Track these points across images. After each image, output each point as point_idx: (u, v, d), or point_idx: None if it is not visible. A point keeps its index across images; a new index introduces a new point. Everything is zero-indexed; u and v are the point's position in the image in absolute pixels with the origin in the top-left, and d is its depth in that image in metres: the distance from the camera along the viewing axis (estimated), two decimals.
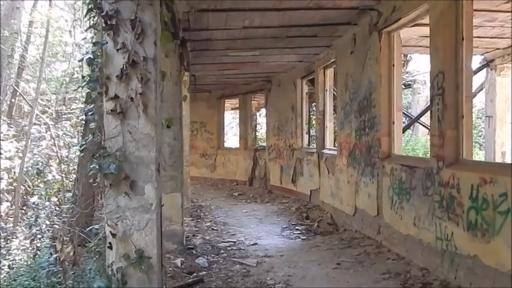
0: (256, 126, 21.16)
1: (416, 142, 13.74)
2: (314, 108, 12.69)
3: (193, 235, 7.42)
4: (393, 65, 6.59)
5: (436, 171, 4.97)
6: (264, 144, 15.39)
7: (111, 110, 2.98)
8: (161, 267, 3.13)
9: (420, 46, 9.04)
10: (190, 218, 8.99)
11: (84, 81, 3.14)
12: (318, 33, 8.06)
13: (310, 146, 12.07)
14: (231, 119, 23.99)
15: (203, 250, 6.45)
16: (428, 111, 13.33)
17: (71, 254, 3.60)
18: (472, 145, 4.90)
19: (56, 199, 9.87)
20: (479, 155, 12.92)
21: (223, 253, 6.34)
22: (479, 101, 14.13)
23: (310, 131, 13.58)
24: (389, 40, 6.62)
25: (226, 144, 19.74)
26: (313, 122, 13.21)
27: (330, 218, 8.95)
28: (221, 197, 13.12)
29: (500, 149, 9.36)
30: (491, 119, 9.57)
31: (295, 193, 11.83)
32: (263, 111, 19.53)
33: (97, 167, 2.92)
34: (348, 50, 8.00)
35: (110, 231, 2.91)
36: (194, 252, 6.35)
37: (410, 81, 14.94)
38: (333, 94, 10.06)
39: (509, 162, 9.45)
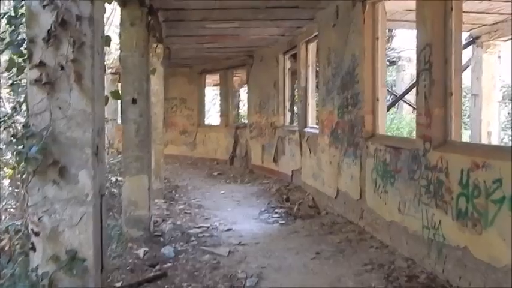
0: (239, 103, 20.61)
1: (401, 121, 13.34)
2: (297, 85, 12.19)
3: (164, 220, 6.94)
4: (377, 38, 6.10)
5: (422, 153, 4.54)
6: (247, 121, 14.89)
7: (36, 80, 2.45)
8: (101, 269, 2.64)
9: (406, 21, 8.53)
10: (163, 200, 8.49)
11: (4, 44, 2.58)
12: (300, 4, 7.51)
13: (293, 124, 11.60)
14: (213, 95, 23.32)
15: (172, 237, 5.98)
16: (414, 89, 12.99)
17: (6, 248, 3.08)
18: (461, 125, 4.46)
19: None
20: (464, 135, 12.61)
21: (193, 241, 5.88)
22: (464, 79, 13.76)
23: (294, 108, 13.11)
24: (373, 11, 6.12)
25: (207, 122, 19.24)
26: (297, 100, 12.72)
27: (311, 201, 8.54)
28: (200, 176, 12.63)
29: (486, 128, 9.00)
30: (477, 98, 9.17)
31: (277, 173, 11.40)
32: (246, 87, 18.97)
33: (19, 149, 2.40)
34: (330, 22, 7.47)
35: (32, 229, 2.41)
36: (162, 240, 5.87)
37: (395, 58, 14.45)
38: (316, 70, 9.56)
39: (497, 143, 9.12)
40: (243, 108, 20.32)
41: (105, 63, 2.98)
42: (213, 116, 23.54)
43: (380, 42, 6.07)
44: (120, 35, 6.00)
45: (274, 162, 11.59)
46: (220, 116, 15.51)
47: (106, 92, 2.95)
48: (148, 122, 6.15)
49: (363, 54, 6.16)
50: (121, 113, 6.02)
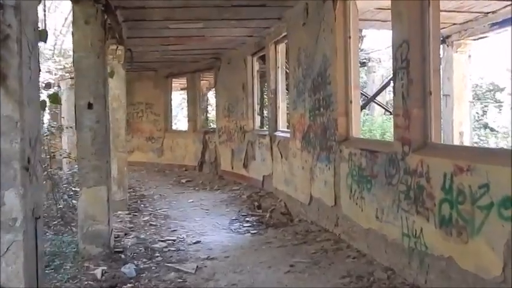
0: (207, 107, 20.16)
1: (373, 123, 13.20)
2: (267, 88, 11.87)
3: (126, 234, 6.46)
4: (349, 37, 5.82)
5: (401, 156, 4.25)
6: (215, 126, 14.46)
7: None
8: None
9: (376, 20, 8.36)
10: (127, 212, 7.98)
11: None
12: (267, 3, 7.19)
13: (264, 128, 11.26)
14: (181, 99, 22.80)
15: (134, 254, 5.52)
16: (385, 90, 12.87)
17: None
18: (441, 126, 4.21)
19: None
20: None
21: (157, 256, 5.43)
22: None
23: (264, 112, 12.79)
24: (344, 9, 5.85)
25: (175, 127, 18.70)
26: (266, 103, 12.40)
27: (283, 207, 8.20)
28: (167, 184, 12.14)
29: (458, 129, 8.88)
30: (448, 98, 9.06)
31: (247, 179, 11.03)
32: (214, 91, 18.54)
33: None
34: (300, 21, 7.17)
35: None
36: (123, 256, 5.40)
37: (365, 59, 14.34)
38: (286, 72, 9.25)
39: (469, 143, 9.01)
40: (212, 113, 19.88)
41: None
42: (181, 121, 23.00)
43: (352, 42, 5.79)
44: (73, 34, 5.52)
45: (245, 168, 11.22)
46: (188, 121, 15.04)
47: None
48: (107, 129, 5.68)
49: (335, 54, 5.88)
50: (75, 120, 5.52)
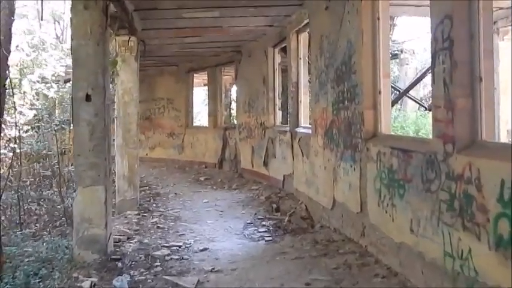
0: (230, 103, 19.53)
1: (406, 119, 12.26)
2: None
3: (129, 238, 5.87)
4: (378, 18, 5.04)
5: (442, 157, 3.48)
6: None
7: None
8: None
9: (409, 5, 7.53)
10: (136, 212, 7.42)
11: None
12: None
13: (286, 124, 10.54)
14: (205, 96, 22.26)
15: (132, 262, 4.92)
16: (419, 84, 11.94)
17: None
18: (494, 120, 3.40)
19: None
20: None
21: (157, 266, 4.81)
22: None
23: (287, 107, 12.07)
24: None
25: (198, 123, 18.23)
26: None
27: (304, 211, 7.50)
28: (185, 182, 11.58)
29: (505, 126, 7.92)
30: (494, 92, 8.10)
31: (267, 178, 10.34)
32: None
33: None
34: (322, 5, 6.44)
35: None
36: (119, 265, 4.80)
37: (397, 50, 13.36)
38: (308, 63, 8.52)
39: None
40: (235, 109, 19.27)
41: None
42: (205, 117, 22.45)
43: (382, 23, 5.01)
44: (71, 19, 4.96)
45: (265, 166, 10.54)
46: (209, 116, 14.43)
47: None
48: (106, 123, 5.09)
49: (361, 39, 5.12)
50: (71, 113, 4.97)
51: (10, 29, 5.77)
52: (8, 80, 5.96)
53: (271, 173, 10.19)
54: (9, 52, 5.74)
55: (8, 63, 5.91)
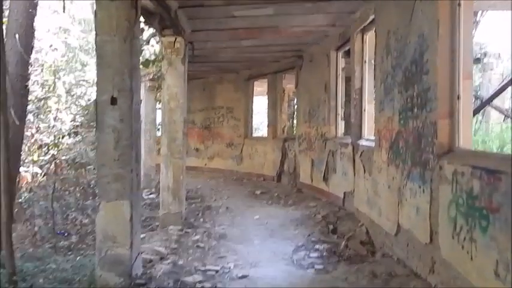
0: (294, 113, 18.73)
1: (488, 132, 10.78)
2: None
3: (162, 258, 5.27)
4: (459, 4, 4.08)
5: None
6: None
7: None
8: None
9: None
10: (179, 228, 6.83)
11: None
12: None
13: (348, 136, 9.60)
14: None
15: None
16: (505, 91, 10.49)
17: None
18: None
19: None
20: None
21: None
22: None
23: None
24: None
25: (260, 134, 17.66)
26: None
27: (364, 234, 6.55)
28: (240, 195, 10.92)
29: None
30: None
31: (327, 194, 9.44)
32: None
33: None
34: None
35: None
36: None
37: (479, 54, 11.87)
38: (374, 67, 7.57)
39: None
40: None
41: None
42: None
43: (463, 11, 4.05)
44: (95, 13, 4.47)
45: (324, 181, 9.64)
46: (268, 126, 13.75)
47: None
48: (134, 129, 4.53)
49: (436, 31, 4.17)
50: (96, 118, 4.46)
51: (32, 24, 5.41)
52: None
53: (331, 189, 9.29)
54: (31, 49, 5.42)
55: (31, 61, 5.58)
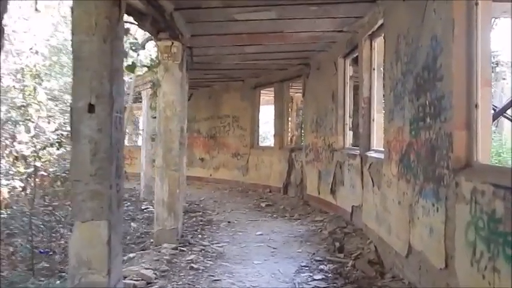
0: (302, 123, 18.32)
1: (502, 144, 10.26)
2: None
3: (149, 283, 4.85)
4: (476, 3, 3.65)
5: None
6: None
7: None
8: None
9: None
10: (173, 246, 6.36)
11: None
12: None
13: (356, 147, 9.15)
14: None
15: None
16: None
17: None
18: None
19: None
20: None
21: None
22: None
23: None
24: None
25: (267, 143, 17.25)
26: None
27: (373, 253, 6.10)
28: (244, 208, 10.51)
29: None
30: None
31: (335, 208, 8.98)
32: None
33: None
34: None
35: None
36: None
37: (492, 63, 11.40)
38: (383, 75, 7.15)
39: None
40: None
41: None
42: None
43: (481, 9, 3.62)
44: (72, 10, 4.08)
45: (332, 194, 9.19)
46: (275, 136, 13.33)
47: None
48: (114, 140, 4.07)
49: (451, 32, 3.74)
50: (70, 127, 4.05)
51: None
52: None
53: (338, 203, 8.83)
54: None
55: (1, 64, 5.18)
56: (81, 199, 3.97)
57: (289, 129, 14.99)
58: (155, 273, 5.09)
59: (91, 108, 3.96)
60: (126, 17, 5.03)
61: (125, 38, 4.97)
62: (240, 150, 14.54)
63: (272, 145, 14.01)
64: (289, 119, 14.70)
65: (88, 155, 3.95)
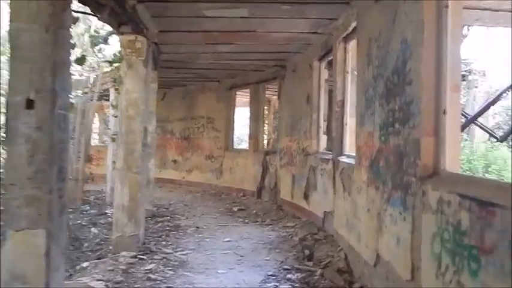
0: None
1: (473, 151, 10.23)
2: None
3: None
4: (446, 6, 3.50)
5: None
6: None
7: None
8: None
9: (485, 9, 5.96)
10: (132, 254, 5.97)
11: None
12: None
13: (329, 151, 9.00)
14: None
15: None
16: (490, 110, 10.00)
17: None
18: None
19: None
20: None
21: None
22: None
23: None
24: None
25: (244, 145, 17.00)
26: None
27: (343, 261, 5.92)
28: (216, 212, 10.25)
29: None
30: None
31: (308, 213, 8.80)
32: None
33: None
34: None
35: None
36: None
37: (464, 71, 11.40)
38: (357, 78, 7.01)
39: None
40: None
41: None
42: None
43: (451, 13, 3.47)
44: None
45: (305, 199, 9.01)
46: (250, 138, 13.11)
47: None
48: (55, 140, 3.71)
49: (421, 35, 3.59)
50: (5, 124, 3.71)
51: None
52: None
53: (311, 208, 8.66)
54: None
55: None
56: (15, 205, 3.58)
57: (266, 132, 14.76)
58: (107, 285, 4.77)
59: (30, 103, 3.59)
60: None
61: (84, 31, 4.65)
62: (214, 153, 14.27)
63: (247, 148, 13.79)
64: (266, 121, 14.47)
65: (25, 156, 3.58)
